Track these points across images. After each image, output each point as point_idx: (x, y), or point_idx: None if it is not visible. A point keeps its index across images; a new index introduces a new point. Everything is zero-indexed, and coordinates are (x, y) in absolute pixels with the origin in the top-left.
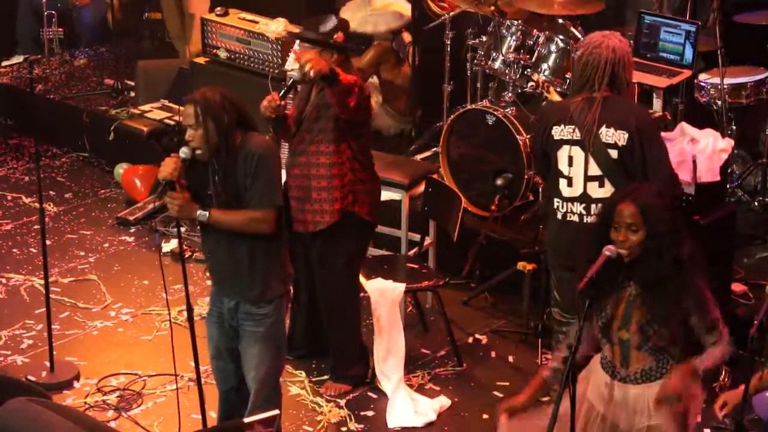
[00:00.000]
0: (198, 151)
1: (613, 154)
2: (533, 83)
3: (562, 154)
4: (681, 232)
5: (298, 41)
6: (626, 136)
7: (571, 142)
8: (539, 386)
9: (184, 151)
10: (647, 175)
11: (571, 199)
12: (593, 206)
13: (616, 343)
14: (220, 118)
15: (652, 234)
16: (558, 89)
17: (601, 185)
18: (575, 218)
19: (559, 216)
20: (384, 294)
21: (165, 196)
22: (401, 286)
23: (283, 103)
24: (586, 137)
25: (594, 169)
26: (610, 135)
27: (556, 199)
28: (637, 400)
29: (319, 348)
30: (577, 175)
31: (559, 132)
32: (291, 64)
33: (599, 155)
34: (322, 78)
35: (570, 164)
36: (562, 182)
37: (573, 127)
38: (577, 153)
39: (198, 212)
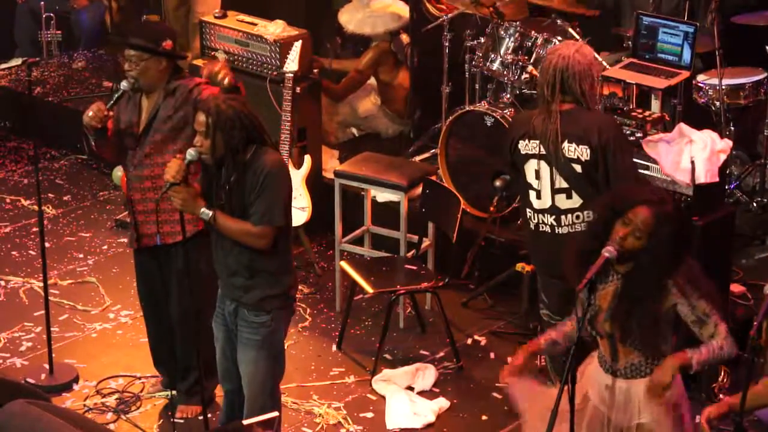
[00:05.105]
0: (204, 156)
1: (577, 168)
2: (527, 75)
3: (529, 167)
4: (677, 261)
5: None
6: (588, 150)
7: (537, 156)
8: (533, 350)
9: (190, 153)
10: (610, 185)
11: (542, 211)
12: (563, 217)
13: (604, 335)
14: (230, 134)
15: (649, 248)
16: None
17: (569, 197)
18: (547, 229)
19: (532, 226)
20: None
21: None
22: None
23: (110, 113)
24: (551, 152)
25: (560, 182)
26: (572, 150)
27: (528, 210)
28: (628, 395)
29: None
30: (545, 187)
31: (524, 146)
32: (289, 66)
33: (564, 169)
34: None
35: (537, 177)
36: (532, 194)
37: (537, 141)
38: (543, 167)
39: (202, 210)
